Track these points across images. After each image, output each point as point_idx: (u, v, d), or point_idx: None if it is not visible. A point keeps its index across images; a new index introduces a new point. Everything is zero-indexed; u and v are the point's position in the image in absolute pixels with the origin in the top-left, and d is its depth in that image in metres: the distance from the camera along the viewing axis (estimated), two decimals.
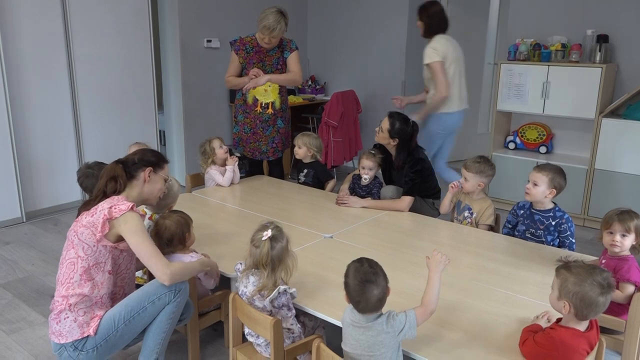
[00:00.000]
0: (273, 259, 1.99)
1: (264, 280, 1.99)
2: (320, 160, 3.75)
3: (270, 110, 3.70)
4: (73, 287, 2.03)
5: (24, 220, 4.34)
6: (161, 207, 2.70)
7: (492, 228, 2.98)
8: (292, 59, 3.84)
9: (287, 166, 5.61)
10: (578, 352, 1.63)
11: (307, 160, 3.72)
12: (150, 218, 2.64)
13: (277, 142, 3.96)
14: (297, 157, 3.73)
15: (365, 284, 1.68)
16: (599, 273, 1.63)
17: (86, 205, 2.11)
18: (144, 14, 4.81)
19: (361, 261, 1.75)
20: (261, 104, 3.63)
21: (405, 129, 3.26)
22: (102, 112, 4.70)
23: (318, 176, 3.69)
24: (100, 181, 2.15)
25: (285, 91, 3.91)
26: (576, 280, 1.63)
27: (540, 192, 2.68)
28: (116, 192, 2.14)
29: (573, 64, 4.30)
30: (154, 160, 2.26)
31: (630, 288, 2.19)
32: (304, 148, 3.67)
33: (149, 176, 2.21)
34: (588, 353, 1.67)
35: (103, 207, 2.03)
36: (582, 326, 1.67)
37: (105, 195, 2.12)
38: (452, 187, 3.01)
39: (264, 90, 3.62)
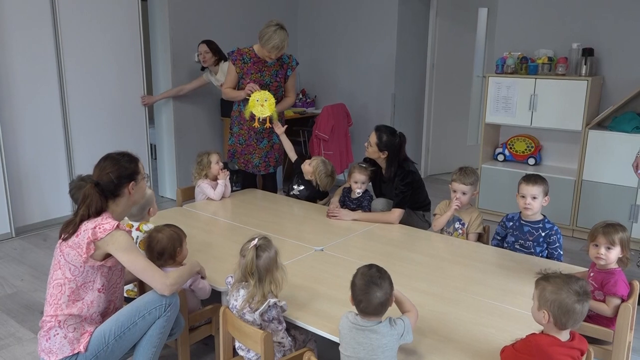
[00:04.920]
0: (259, 268, 1.99)
1: (251, 290, 2.00)
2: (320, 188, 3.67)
3: (268, 125, 3.70)
4: (61, 308, 2.02)
5: (14, 236, 4.30)
6: (141, 213, 2.67)
7: (480, 236, 3.01)
8: (291, 81, 3.88)
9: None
10: (554, 359, 1.65)
11: (306, 177, 3.67)
12: (137, 229, 2.63)
13: (270, 157, 3.96)
14: (302, 168, 3.66)
15: (370, 285, 1.76)
16: (575, 282, 1.68)
17: (66, 228, 2.06)
18: (135, 28, 4.84)
19: (370, 266, 1.84)
20: (258, 119, 3.64)
21: (392, 140, 3.28)
22: (92, 126, 4.69)
23: (313, 196, 3.67)
24: (82, 208, 2.05)
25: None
26: (553, 288, 1.68)
27: (539, 203, 2.71)
28: (98, 213, 2.06)
29: (559, 76, 4.36)
30: (131, 171, 2.16)
31: (617, 301, 2.19)
32: (310, 168, 3.59)
33: (132, 188, 2.17)
34: None
35: (87, 227, 2.01)
36: (563, 336, 1.70)
37: (88, 218, 2.04)
38: (456, 207, 2.98)
39: (261, 105, 3.60)
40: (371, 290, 1.75)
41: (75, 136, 4.59)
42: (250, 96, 3.61)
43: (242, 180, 4.16)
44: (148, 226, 2.59)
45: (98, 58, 4.65)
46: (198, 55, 4.98)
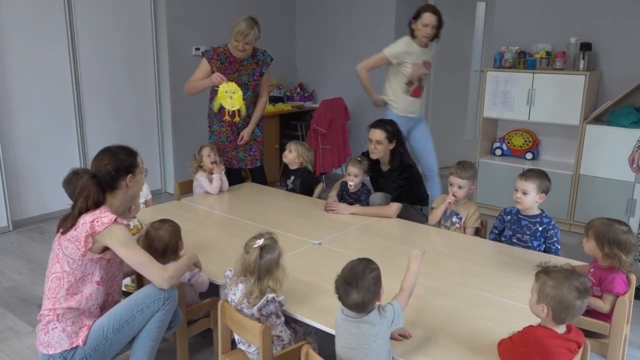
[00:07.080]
0: (260, 268, 1.99)
1: (249, 286, 2.00)
2: (310, 169, 3.75)
3: (237, 119, 3.66)
4: (59, 301, 2.02)
5: (11, 229, 4.30)
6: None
7: (478, 230, 3.02)
8: (265, 78, 3.88)
9: (276, 173, 5.62)
10: (552, 351, 1.66)
11: (293, 167, 3.72)
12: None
13: (255, 150, 3.96)
14: (285, 160, 3.73)
15: (345, 285, 1.73)
16: (577, 278, 1.68)
17: (64, 221, 2.05)
18: (147, 24, 4.92)
19: (360, 261, 1.79)
20: (228, 112, 3.61)
21: (394, 126, 3.33)
22: (92, 120, 4.69)
23: (306, 182, 3.70)
24: (79, 200, 2.05)
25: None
26: (554, 284, 1.67)
27: (531, 199, 2.72)
28: (96, 206, 2.06)
29: (557, 71, 4.36)
30: (129, 164, 2.15)
31: (613, 299, 2.19)
32: (294, 153, 3.67)
33: (130, 181, 2.16)
34: (568, 356, 1.69)
35: (85, 220, 2.00)
36: (560, 329, 1.71)
37: (86, 210, 2.04)
38: (450, 201, 2.99)
39: (230, 97, 3.55)
40: (347, 291, 1.72)
41: (73, 129, 4.59)
42: (217, 87, 3.57)
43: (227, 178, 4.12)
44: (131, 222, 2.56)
45: (111, 51, 4.73)
46: (422, 28, 3.97)
